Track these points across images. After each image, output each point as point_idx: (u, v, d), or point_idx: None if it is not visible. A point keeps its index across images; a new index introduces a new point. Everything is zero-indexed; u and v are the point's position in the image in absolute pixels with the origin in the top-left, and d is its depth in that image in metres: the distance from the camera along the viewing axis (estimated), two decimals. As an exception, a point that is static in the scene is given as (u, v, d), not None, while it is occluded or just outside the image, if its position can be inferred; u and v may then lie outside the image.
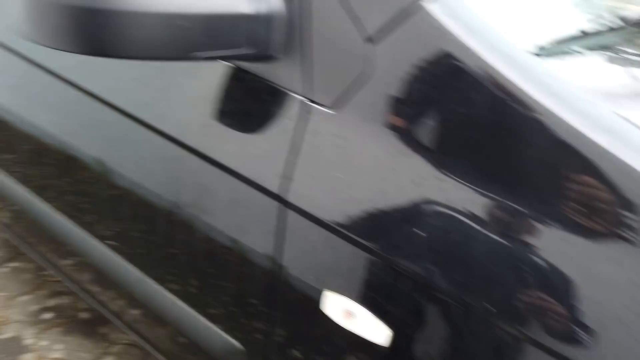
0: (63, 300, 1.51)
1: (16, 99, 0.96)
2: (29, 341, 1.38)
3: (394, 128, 0.53)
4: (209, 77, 0.65)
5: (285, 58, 0.58)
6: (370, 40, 0.53)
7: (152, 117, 0.70)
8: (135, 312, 0.96)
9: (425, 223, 0.51)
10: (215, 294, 0.73)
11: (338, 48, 0.55)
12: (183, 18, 0.50)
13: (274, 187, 0.59)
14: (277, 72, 0.60)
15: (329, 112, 0.57)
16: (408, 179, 0.52)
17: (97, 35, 0.48)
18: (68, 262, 1.08)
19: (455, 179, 0.50)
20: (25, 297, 1.51)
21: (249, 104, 0.62)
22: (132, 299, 0.93)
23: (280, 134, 0.59)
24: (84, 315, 1.47)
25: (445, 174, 0.50)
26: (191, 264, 0.74)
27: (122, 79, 0.74)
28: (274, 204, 0.60)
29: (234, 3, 0.53)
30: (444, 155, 0.51)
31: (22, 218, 1.14)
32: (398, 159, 0.52)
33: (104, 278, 0.98)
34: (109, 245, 0.90)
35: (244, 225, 0.64)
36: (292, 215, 0.59)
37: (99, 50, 0.49)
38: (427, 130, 0.51)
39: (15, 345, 1.36)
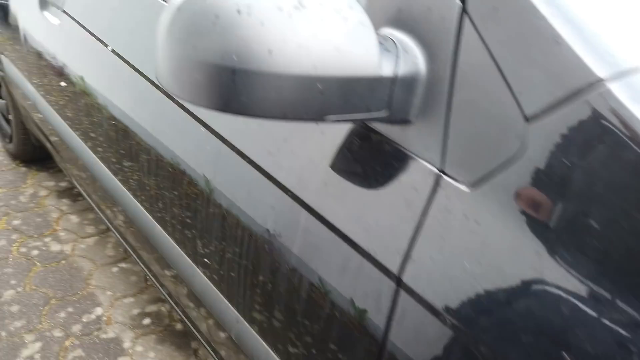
0: (162, 308, 1.58)
1: (143, 113, 1.02)
2: (126, 344, 1.45)
3: (544, 223, 0.45)
4: (333, 132, 0.61)
5: (420, 123, 0.53)
6: (527, 117, 0.46)
7: (271, 166, 0.68)
8: (222, 334, 0.96)
9: (573, 343, 0.42)
10: (302, 340, 0.69)
11: (485, 121, 0.48)
12: (322, 81, 0.47)
13: (391, 265, 0.54)
14: (410, 137, 0.54)
15: (463, 190, 0.50)
16: (555, 287, 0.44)
17: (232, 94, 0.47)
18: (168, 272, 1.12)
19: (621, 302, 0.41)
20: (129, 300, 1.60)
21: (374, 166, 0.58)
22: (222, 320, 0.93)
23: (404, 206, 0.54)
24: (179, 326, 1.52)
25: (608, 291, 0.41)
26: (286, 308, 0.71)
27: (247, 123, 0.74)
28: (386, 280, 0.54)
29: (375, 66, 0.49)
30: (611, 267, 0.42)
31: (133, 223, 1.21)
32: (546, 261, 0.44)
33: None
34: (202, 264, 0.91)
35: (352, 288, 0.59)
36: (404, 297, 0.53)
37: (233, 108, 0.47)
38: (588, 232, 0.43)
39: (115, 347, 1.43)
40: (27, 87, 1.66)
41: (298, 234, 0.66)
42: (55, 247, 1.80)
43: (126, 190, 1.16)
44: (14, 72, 1.76)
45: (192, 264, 0.96)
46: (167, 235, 1.04)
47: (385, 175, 0.56)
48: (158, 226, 1.06)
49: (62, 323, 1.49)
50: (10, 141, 2.22)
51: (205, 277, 0.93)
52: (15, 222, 1.90)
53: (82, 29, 1.18)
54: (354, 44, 0.48)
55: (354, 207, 0.58)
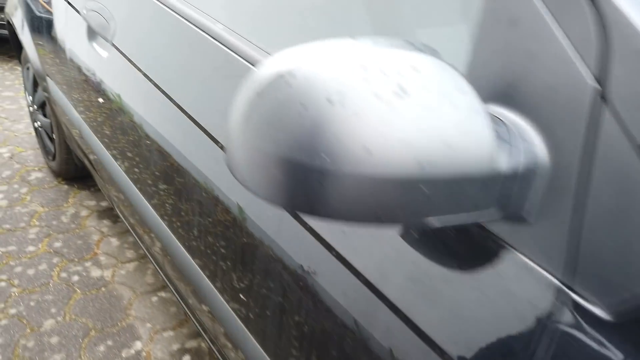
0: (202, 344, 1.53)
1: (180, 137, 0.99)
2: (166, 385, 1.39)
3: None
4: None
5: (539, 224, 0.44)
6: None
7: (345, 248, 0.60)
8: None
9: None
10: None
11: (631, 233, 0.39)
12: (427, 181, 0.39)
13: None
14: (524, 238, 0.45)
15: (599, 316, 0.41)
16: None
17: (320, 197, 0.39)
18: (205, 307, 1.05)
19: None
20: (168, 333, 1.55)
21: (475, 266, 0.49)
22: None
23: (517, 321, 0.45)
24: (219, 365, 1.46)
25: None
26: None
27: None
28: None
29: (489, 160, 0.41)
30: None
31: (167, 252, 1.16)
32: None
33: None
34: (235, 300, 0.86)
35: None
36: None
37: (319, 212, 0.40)
38: None
39: (154, 389, 1.38)
40: (70, 110, 1.64)
41: (377, 331, 0.57)
42: (95, 272, 1.77)
43: (159, 217, 1.12)
44: (59, 95, 1.75)
45: (220, 293, 0.91)
46: (200, 270, 0.99)
47: (489, 278, 0.47)
48: (189, 257, 1.02)
49: (101, 358, 1.45)
50: (53, 159, 2.22)
51: (251, 334, 0.86)
52: (57, 245, 1.88)
53: (130, 64, 1.14)
54: (465, 136, 0.40)
55: (449, 313, 0.49)
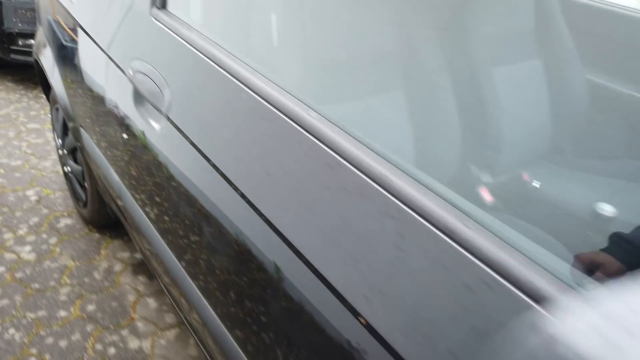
0: None
1: (214, 187, 0.85)
2: None
3: None
4: None
5: None
6: None
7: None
8: None
9: None
10: None
11: None
12: None
13: None
14: None
15: None
16: None
17: None
18: None
19: None
20: None
21: None
22: None
23: None
24: None
25: None
26: None
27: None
28: None
29: None
30: None
31: (205, 323, 0.99)
32: None
33: None
34: None
35: None
36: None
37: None
38: None
39: None
40: (106, 167, 1.48)
41: None
42: (133, 343, 1.60)
43: (190, 279, 0.97)
44: (92, 147, 1.60)
45: None
46: (240, 350, 0.83)
47: None
48: (226, 330, 0.86)
49: None
50: (84, 206, 2.08)
51: None
52: (90, 308, 1.73)
53: (181, 135, 0.97)
54: None
55: None
